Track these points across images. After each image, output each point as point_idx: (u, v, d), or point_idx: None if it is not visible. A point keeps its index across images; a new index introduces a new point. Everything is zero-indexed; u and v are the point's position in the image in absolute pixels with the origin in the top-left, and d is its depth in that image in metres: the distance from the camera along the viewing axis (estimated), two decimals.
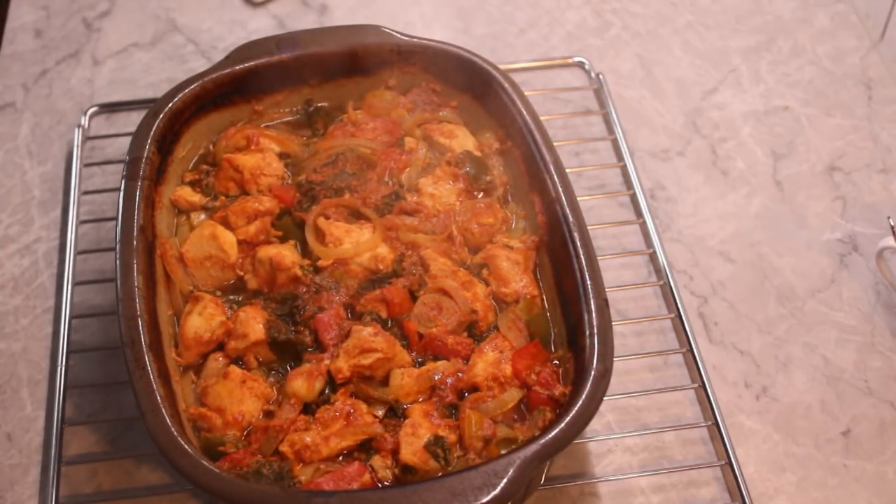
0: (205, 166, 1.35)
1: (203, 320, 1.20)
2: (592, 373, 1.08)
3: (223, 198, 1.31)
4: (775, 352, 1.32)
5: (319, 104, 1.39)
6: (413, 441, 1.11)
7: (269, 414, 1.16)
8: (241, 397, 1.15)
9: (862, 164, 1.50)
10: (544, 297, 1.24)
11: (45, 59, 1.63)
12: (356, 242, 1.25)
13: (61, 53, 1.64)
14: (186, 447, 1.04)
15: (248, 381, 1.16)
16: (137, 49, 1.65)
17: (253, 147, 1.34)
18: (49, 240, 1.42)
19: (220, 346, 1.20)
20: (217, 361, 1.19)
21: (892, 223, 1.30)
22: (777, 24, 1.68)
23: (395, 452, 1.11)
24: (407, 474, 1.10)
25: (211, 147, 1.36)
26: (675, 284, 1.35)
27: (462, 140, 1.35)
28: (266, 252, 1.24)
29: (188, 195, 1.31)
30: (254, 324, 1.19)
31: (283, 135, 1.37)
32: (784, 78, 1.61)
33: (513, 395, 1.15)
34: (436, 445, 1.11)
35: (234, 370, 1.17)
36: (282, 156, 1.35)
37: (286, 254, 1.24)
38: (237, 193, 1.32)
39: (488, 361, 1.17)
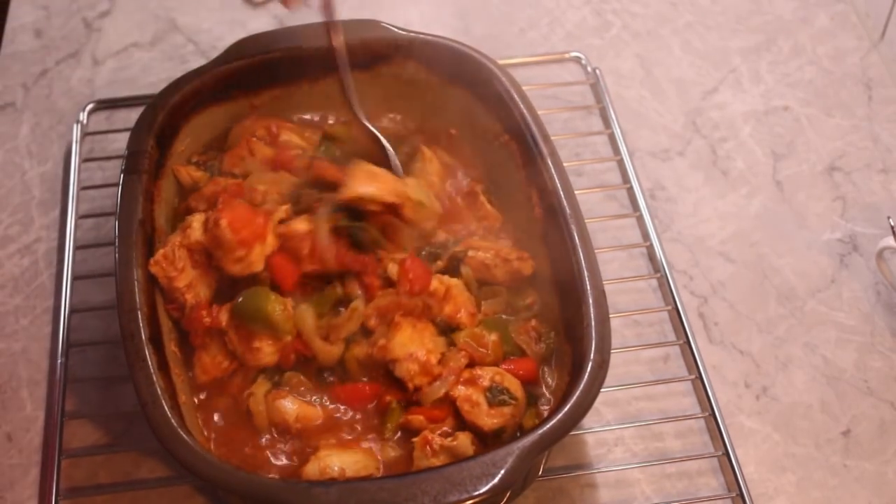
0: (213, 152, 1.35)
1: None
2: (590, 363, 1.08)
3: (229, 176, 1.30)
4: (775, 352, 1.32)
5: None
6: (478, 412, 1.11)
7: None
8: None
9: (862, 164, 1.50)
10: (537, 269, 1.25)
11: (45, 59, 1.63)
12: None
13: (61, 53, 1.64)
14: (185, 437, 1.04)
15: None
16: (137, 49, 1.65)
17: (270, 140, 1.34)
18: (49, 239, 1.42)
19: None
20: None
21: (892, 223, 1.30)
22: (777, 24, 1.68)
23: (462, 429, 1.12)
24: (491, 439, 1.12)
25: (204, 144, 1.36)
26: (672, 277, 1.35)
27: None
28: None
29: (192, 170, 1.31)
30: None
31: (299, 127, 1.37)
32: (784, 78, 1.61)
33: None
34: (500, 394, 1.12)
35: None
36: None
37: None
38: (243, 175, 1.31)
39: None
